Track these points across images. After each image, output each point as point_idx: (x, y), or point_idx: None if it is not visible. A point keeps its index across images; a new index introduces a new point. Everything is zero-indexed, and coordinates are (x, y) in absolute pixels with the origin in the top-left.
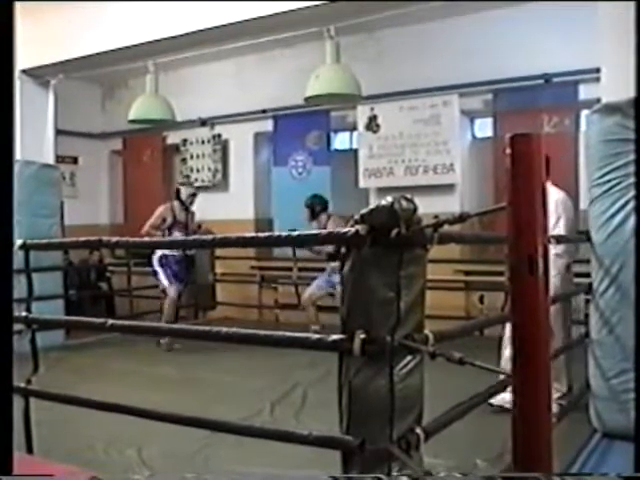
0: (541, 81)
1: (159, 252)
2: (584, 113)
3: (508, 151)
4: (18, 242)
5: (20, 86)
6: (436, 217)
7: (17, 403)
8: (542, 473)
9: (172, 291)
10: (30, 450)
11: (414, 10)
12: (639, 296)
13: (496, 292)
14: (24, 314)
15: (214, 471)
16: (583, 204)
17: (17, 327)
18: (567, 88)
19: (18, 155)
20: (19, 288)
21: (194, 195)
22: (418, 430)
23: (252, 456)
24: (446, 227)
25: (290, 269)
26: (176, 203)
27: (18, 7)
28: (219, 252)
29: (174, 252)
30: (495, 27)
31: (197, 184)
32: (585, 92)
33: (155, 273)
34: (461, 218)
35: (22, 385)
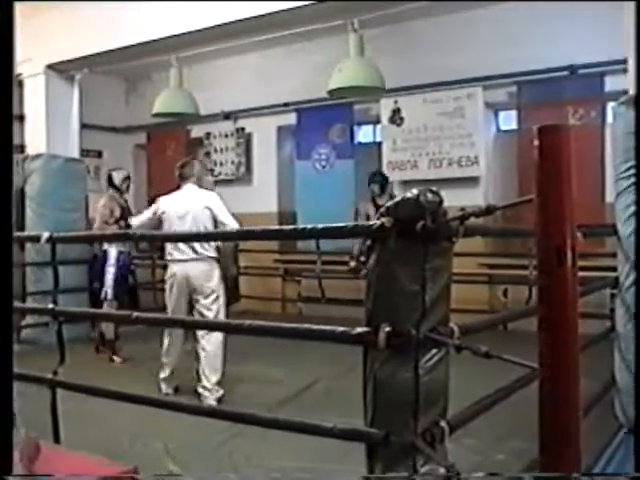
0: (566, 73)
1: (115, 248)
2: (610, 105)
3: (536, 143)
4: (45, 235)
5: (46, 81)
6: (462, 209)
7: (44, 394)
8: (572, 474)
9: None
10: (57, 441)
11: (437, 2)
12: (639, 295)
13: (520, 286)
14: (50, 306)
15: (238, 463)
16: (609, 197)
17: (44, 319)
18: (593, 80)
19: (44, 149)
20: (45, 280)
21: (128, 178)
22: (443, 423)
23: (276, 448)
24: (472, 220)
25: (314, 262)
26: (112, 191)
27: (45, 4)
28: (243, 245)
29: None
30: (519, 18)
31: (221, 177)
32: (611, 84)
33: (103, 272)
34: (488, 211)
35: (49, 376)
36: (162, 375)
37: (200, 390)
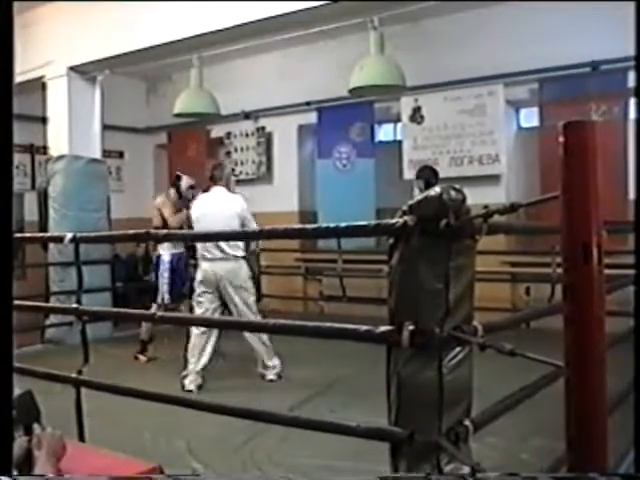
0: (588, 69)
1: (168, 250)
2: (633, 100)
3: (561, 139)
4: (69, 235)
5: (68, 83)
6: (485, 207)
7: (69, 393)
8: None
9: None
10: (82, 439)
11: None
12: (639, 295)
13: (542, 283)
14: (74, 306)
15: (260, 461)
16: (632, 193)
17: (68, 319)
18: (615, 75)
19: (67, 150)
20: (68, 280)
21: (193, 188)
22: (467, 422)
23: (297, 447)
24: (494, 217)
25: (335, 261)
26: (172, 192)
27: (66, 6)
28: (264, 244)
29: (181, 250)
30: (540, 14)
31: (241, 177)
32: (634, 79)
33: (157, 276)
34: (512, 208)
35: (73, 375)
36: (185, 372)
37: (260, 370)
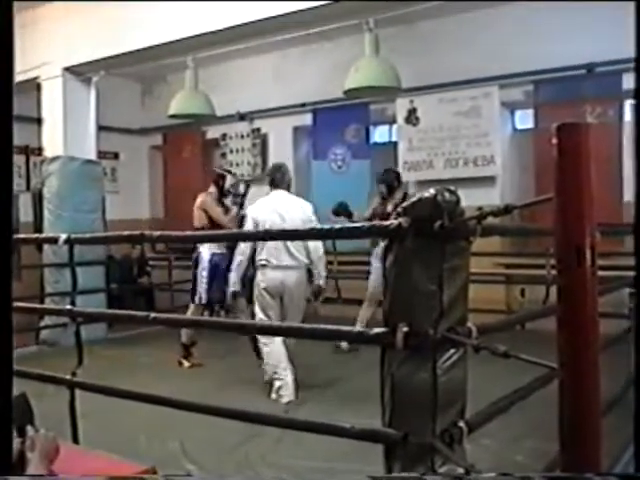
0: (584, 71)
1: (208, 249)
2: (628, 103)
3: (555, 141)
4: (63, 236)
5: (63, 84)
6: (480, 209)
7: (63, 395)
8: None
9: (194, 310)
10: (76, 441)
11: (452, 2)
12: (638, 297)
13: (537, 285)
14: (68, 307)
15: (254, 463)
16: (627, 195)
17: (62, 320)
18: (611, 78)
19: (62, 151)
20: (63, 282)
21: (233, 186)
22: (461, 424)
23: (292, 448)
24: (489, 219)
25: (330, 263)
26: (215, 190)
27: (62, 7)
28: None
29: (223, 250)
30: (536, 16)
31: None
32: (629, 81)
33: (195, 276)
34: (506, 210)
35: (68, 377)
36: (279, 384)
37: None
